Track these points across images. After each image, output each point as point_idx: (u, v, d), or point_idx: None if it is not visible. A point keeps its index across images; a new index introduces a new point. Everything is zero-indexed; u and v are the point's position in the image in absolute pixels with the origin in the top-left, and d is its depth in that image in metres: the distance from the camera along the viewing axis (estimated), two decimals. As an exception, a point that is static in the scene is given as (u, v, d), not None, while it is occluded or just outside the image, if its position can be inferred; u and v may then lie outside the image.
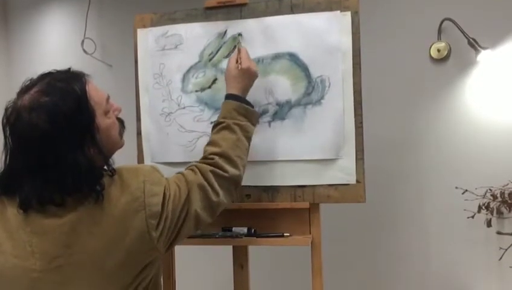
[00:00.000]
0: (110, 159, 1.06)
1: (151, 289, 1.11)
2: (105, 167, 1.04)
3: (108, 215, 0.98)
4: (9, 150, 1.00)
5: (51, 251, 0.98)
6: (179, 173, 1.16)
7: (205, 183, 1.13)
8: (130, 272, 1.02)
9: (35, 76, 1.04)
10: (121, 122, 1.15)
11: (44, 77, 1.02)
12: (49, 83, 1.00)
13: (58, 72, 1.04)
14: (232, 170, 1.18)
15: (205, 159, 1.19)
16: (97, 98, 1.05)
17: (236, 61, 1.29)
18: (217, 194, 1.15)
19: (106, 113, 1.07)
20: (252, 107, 1.28)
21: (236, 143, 1.21)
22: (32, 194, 0.97)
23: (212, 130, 1.26)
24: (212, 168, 1.16)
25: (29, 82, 1.01)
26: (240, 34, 1.41)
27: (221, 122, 1.23)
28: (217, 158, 1.17)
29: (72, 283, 0.99)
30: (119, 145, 1.14)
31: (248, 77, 1.29)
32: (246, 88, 1.29)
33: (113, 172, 1.03)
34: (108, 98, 1.09)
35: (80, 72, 1.06)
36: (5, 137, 1.00)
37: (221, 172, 1.16)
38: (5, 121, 1.00)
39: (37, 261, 0.98)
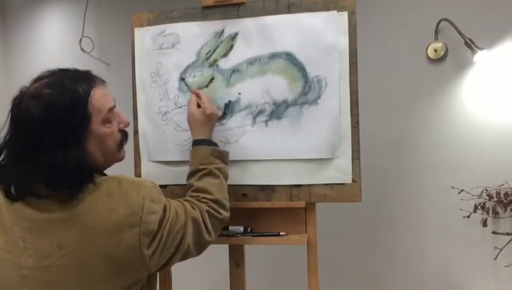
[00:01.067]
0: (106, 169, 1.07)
1: None
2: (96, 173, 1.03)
3: (102, 224, 0.98)
4: (7, 136, 1.02)
5: (43, 249, 0.98)
6: (178, 199, 1.17)
7: (201, 220, 1.16)
8: (118, 284, 1.02)
9: (33, 74, 1.06)
10: (124, 134, 1.15)
11: (58, 71, 1.05)
12: (57, 78, 1.03)
13: (73, 70, 1.07)
14: (224, 213, 1.24)
15: (199, 201, 1.21)
16: (98, 105, 1.05)
17: (198, 106, 1.32)
18: (210, 234, 1.18)
19: (105, 121, 1.07)
20: (217, 145, 1.32)
21: (221, 186, 1.26)
22: (11, 182, 0.99)
23: (190, 177, 1.27)
24: (208, 208, 1.20)
25: (44, 72, 1.05)
26: (236, 34, 1.41)
27: (202, 169, 1.25)
28: (210, 203, 1.21)
29: (59, 285, 0.98)
30: (115, 156, 1.13)
31: (213, 120, 1.34)
32: (211, 130, 1.34)
33: (94, 182, 1.01)
34: (112, 108, 1.09)
35: (93, 76, 1.08)
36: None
37: (216, 214, 1.21)
38: (11, 106, 1.02)
39: (29, 258, 0.99)
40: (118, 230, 0.99)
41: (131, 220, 1.00)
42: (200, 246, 1.17)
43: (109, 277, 0.99)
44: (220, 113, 1.38)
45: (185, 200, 1.19)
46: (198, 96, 1.35)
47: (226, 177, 1.29)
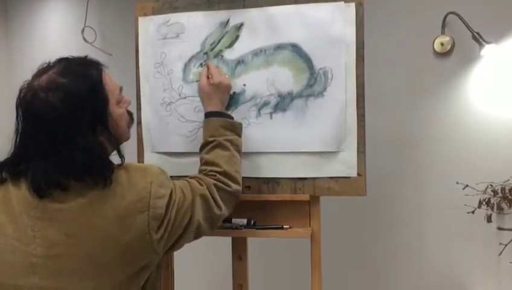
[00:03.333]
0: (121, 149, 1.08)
1: (150, 286, 1.10)
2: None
3: (111, 209, 0.98)
4: (20, 131, 1.01)
5: (52, 238, 0.98)
6: (184, 179, 1.17)
7: (209, 196, 1.15)
8: (126, 270, 1.02)
9: (35, 64, 1.05)
10: (130, 114, 1.18)
11: (61, 60, 1.05)
12: (67, 66, 1.02)
13: (76, 57, 1.07)
14: (234, 185, 1.22)
15: (207, 176, 1.20)
16: (111, 86, 1.08)
17: (208, 77, 1.30)
18: (220, 207, 1.17)
19: (118, 102, 1.10)
20: (233, 118, 1.30)
21: (232, 159, 1.24)
22: (41, 176, 0.97)
23: (201, 150, 1.26)
24: (215, 182, 1.18)
25: (46, 65, 1.04)
26: (242, 24, 1.39)
27: (212, 141, 1.24)
28: (218, 175, 1.20)
29: (67, 273, 0.98)
30: (126, 136, 1.16)
31: (222, 90, 1.31)
32: (223, 102, 1.31)
33: (122, 161, 1.05)
34: (121, 89, 1.12)
35: (96, 60, 1.09)
36: (17, 118, 1.01)
37: (224, 186, 1.19)
38: (18, 101, 1.01)
39: (38, 247, 0.98)
40: (126, 216, 0.99)
41: (139, 205, 1.00)
42: (212, 222, 1.16)
43: (118, 263, 1.00)
44: (231, 83, 1.34)
45: (192, 177, 1.19)
46: (208, 68, 1.33)
47: (238, 150, 1.27)
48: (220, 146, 1.24)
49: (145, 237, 1.00)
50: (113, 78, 1.11)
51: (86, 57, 1.09)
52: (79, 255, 0.98)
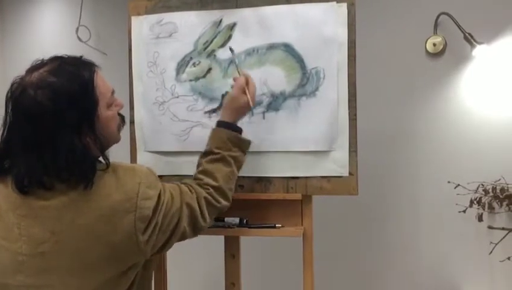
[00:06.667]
0: (106, 152, 1.06)
1: (137, 285, 1.10)
2: (100, 159, 1.04)
3: (96, 208, 0.98)
4: (7, 126, 1.00)
5: (37, 235, 0.98)
6: (175, 183, 1.16)
7: (197, 207, 1.15)
8: (112, 270, 1.02)
9: (28, 63, 1.04)
10: (121, 117, 1.17)
11: (55, 59, 1.04)
12: (59, 65, 1.02)
13: (70, 57, 1.06)
14: (223, 202, 1.22)
15: (200, 186, 1.19)
16: (103, 89, 1.06)
17: (244, 92, 1.25)
18: (205, 220, 1.17)
19: (109, 105, 1.09)
20: (241, 131, 1.27)
21: (230, 176, 1.23)
22: (24, 173, 0.97)
23: (202, 157, 1.24)
24: (206, 195, 1.18)
25: (39, 62, 1.03)
26: (234, 24, 1.40)
27: (216, 153, 1.22)
28: (211, 190, 1.19)
29: (54, 271, 0.98)
30: (115, 139, 1.15)
31: (246, 111, 1.29)
32: (239, 118, 1.29)
33: (107, 164, 1.03)
34: (113, 92, 1.11)
35: (90, 61, 1.08)
36: (6, 112, 1.01)
37: (214, 202, 1.19)
38: (9, 95, 1.00)
39: (23, 245, 0.98)
40: (112, 215, 0.98)
41: (127, 205, 0.99)
42: (195, 230, 1.17)
43: (104, 262, 0.99)
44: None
45: (183, 183, 1.18)
46: (247, 82, 1.27)
47: (239, 167, 1.26)
48: (223, 160, 1.22)
49: (131, 237, 1.00)
50: (107, 81, 1.10)
51: (80, 57, 1.08)
52: (65, 253, 0.97)
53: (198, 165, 1.24)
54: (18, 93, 0.98)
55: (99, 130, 1.03)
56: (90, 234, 0.98)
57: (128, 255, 1.02)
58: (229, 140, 1.23)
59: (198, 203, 1.16)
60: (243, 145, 1.26)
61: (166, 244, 1.10)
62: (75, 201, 0.98)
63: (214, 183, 1.20)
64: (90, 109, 1.01)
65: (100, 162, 1.06)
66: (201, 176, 1.21)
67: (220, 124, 1.26)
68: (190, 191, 1.16)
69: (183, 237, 1.14)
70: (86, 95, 1.01)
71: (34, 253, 0.98)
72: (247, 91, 1.25)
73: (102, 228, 0.98)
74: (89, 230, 0.97)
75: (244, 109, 1.27)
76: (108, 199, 0.99)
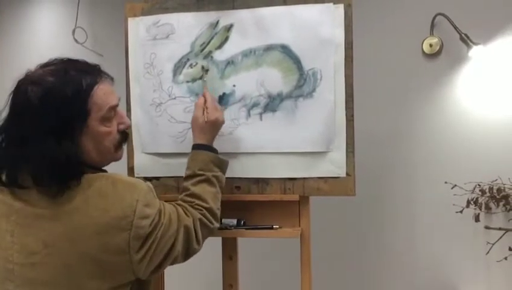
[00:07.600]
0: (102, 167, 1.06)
1: None
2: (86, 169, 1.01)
3: (91, 224, 0.96)
4: (6, 118, 1.00)
5: (30, 245, 0.97)
6: (171, 203, 1.14)
7: (192, 229, 1.13)
8: (104, 286, 0.99)
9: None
10: (123, 136, 1.13)
11: (66, 60, 1.04)
12: (63, 68, 1.01)
13: (82, 62, 1.05)
14: (215, 223, 1.21)
15: (193, 208, 1.17)
16: (100, 101, 1.03)
17: (203, 111, 1.26)
18: (198, 243, 1.16)
19: (104, 120, 1.05)
20: (218, 152, 1.27)
21: (217, 196, 1.23)
22: (7, 169, 0.97)
23: (187, 180, 1.23)
24: (201, 217, 1.17)
25: (53, 60, 1.03)
26: (231, 25, 1.40)
27: (200, 175, 1.22)
28: (205, 211, 1.18)
29: (44, 283, 0.97)
30: (111, 157, 1.11)
31: (216, 127, 1.28)
32: (214, 137, 1.29)
33: (78, 181, 0.98)
34: (114, 107, 1.07)
35: (101, 72, 1.06)
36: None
37: (208, 223, 1.18)
38: (14, 87, 1.01)
39: (15, 253, 0.97)
40: (107, 232, 0.96)
41: (122, 223, 0.97)
42: (187, 254, 1.14)
43: (95, 278, 0.97)
44: (224, 120, 1.31)
45: (178, 204, 1.16)
46: (205, 99, 1.28)
47: (221, 187, 1.26)
48: (207, 181, 1.22)
49: (124, 256, 0.98)
50: (113, 96, 1.07)
51: (96, 65, 1.06)
52: (55, 267, 0.96)
53: (184, 189, 1.22)
54: (15, 87, 0.99)
55: (86, 142, 1.01)
56: (83, 250, 0.95)
57: (119, 274, 1.00)
58: (211, 162, 1.24)
59: (194, 225, 1.14)
60: (223, 165, 1.27)
61: (160, 267, 1.07)
62: (69, 214, 0.96)
63: (205, 204, 1.19)
64: (76, 116, 0.99)
65: (104, 170, 1.05)
66: (191, 199, 1.19)
67: (199, 147, 1.25)
68: (186, 213, 1.14)
69: (174, 261, 1.10)
70: (76, 102, 0.98)
71: (24, 263, 0.97)
72: (205, 110, 1.27)
73: (96, 244, 0.96)
74: (82, 245, 0.95)
75: (209, 127, 1.26)
76: (105, 215, 0.97)
